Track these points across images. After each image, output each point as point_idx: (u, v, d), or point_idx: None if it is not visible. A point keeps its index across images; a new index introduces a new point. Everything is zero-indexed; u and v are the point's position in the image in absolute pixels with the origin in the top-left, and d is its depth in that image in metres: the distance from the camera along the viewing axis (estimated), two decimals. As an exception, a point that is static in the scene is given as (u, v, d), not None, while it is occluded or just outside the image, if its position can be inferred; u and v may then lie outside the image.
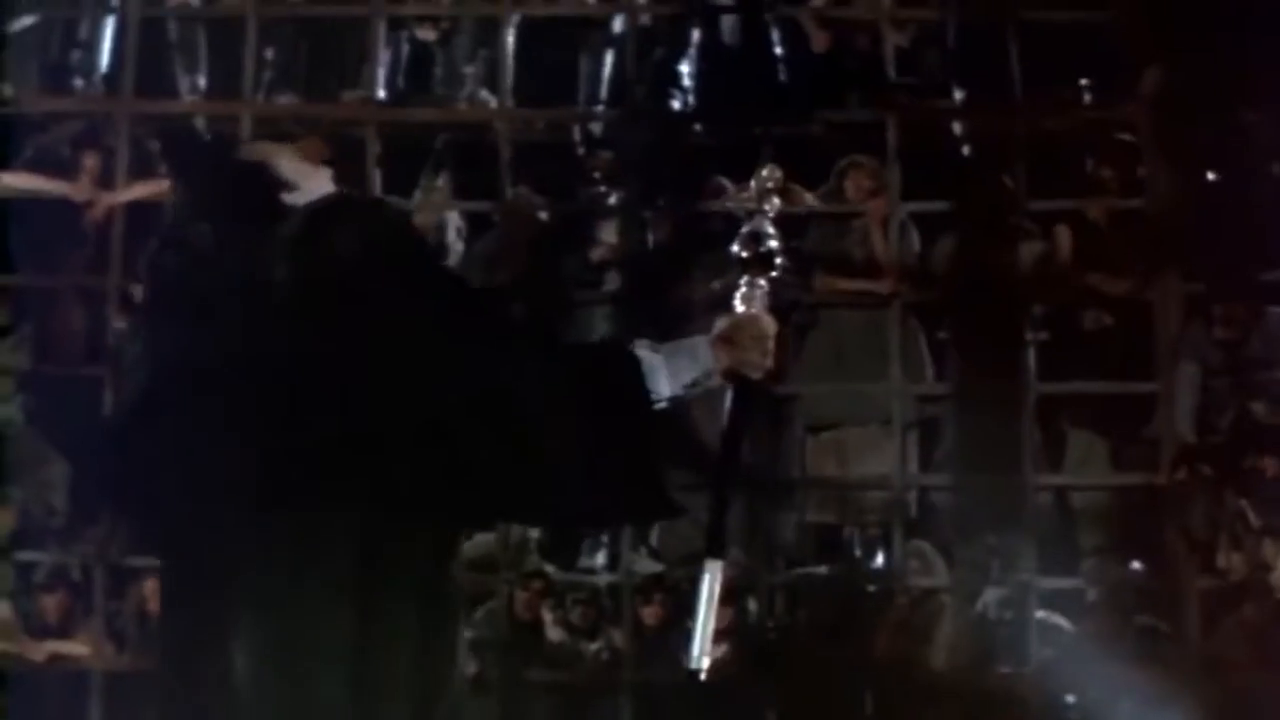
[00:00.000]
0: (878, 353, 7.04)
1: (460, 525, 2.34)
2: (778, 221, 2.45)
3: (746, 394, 2.40)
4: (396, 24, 7.45)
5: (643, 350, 2.28)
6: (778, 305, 2.40)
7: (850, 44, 7.61)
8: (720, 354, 2.33)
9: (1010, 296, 7.14)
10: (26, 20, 7.22)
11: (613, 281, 7.09)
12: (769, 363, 2.39)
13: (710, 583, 2.39)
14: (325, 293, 2.14)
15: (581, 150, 7.45)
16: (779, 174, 2.51)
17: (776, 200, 2.50)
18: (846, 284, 7.20)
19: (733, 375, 2.37)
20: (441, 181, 7.23)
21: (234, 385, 2.11)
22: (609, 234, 7.21)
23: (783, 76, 7.42)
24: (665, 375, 2.28)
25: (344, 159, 6.65)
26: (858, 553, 7.15)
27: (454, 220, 7.33)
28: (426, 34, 7.41)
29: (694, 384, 2.32)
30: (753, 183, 2.51)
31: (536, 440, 2.18)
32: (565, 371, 2.25)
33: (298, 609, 2.09)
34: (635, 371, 2.25)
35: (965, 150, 7.51)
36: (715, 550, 2.41)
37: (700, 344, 2.34)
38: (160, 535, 2.22)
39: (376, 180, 7.04)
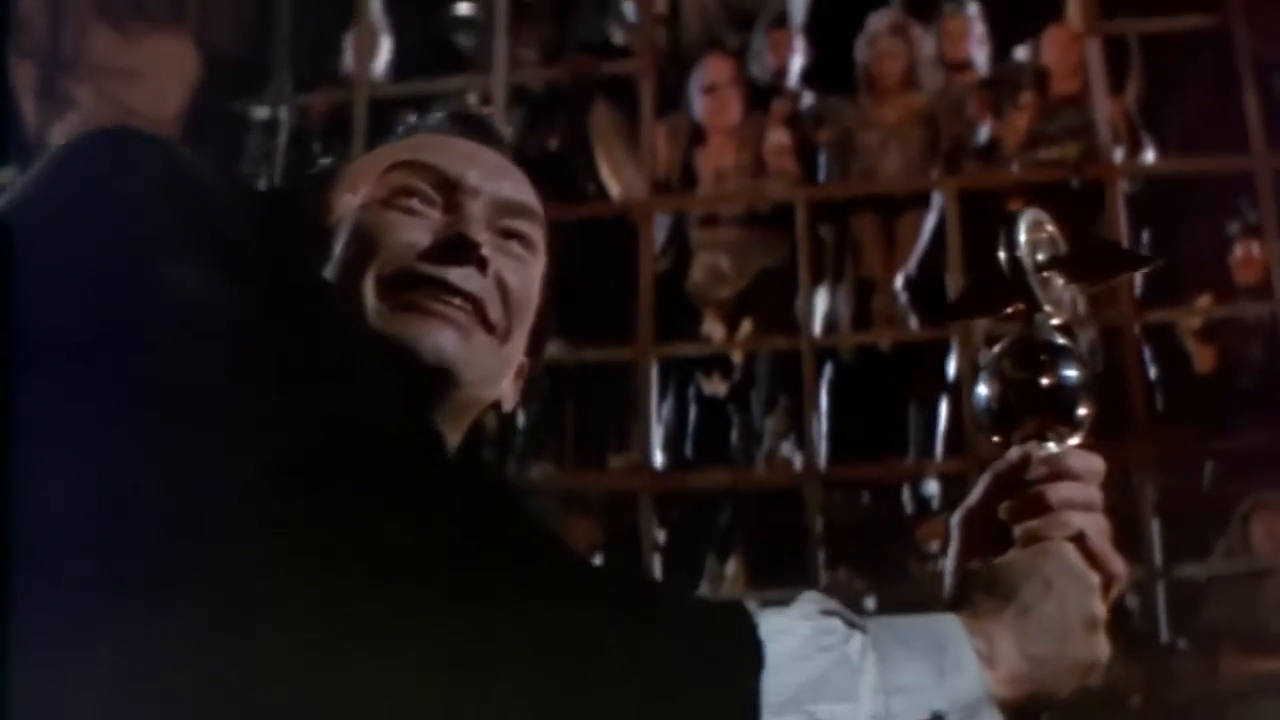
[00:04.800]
0: (1314, 754, 5.54)
1: None
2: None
3: None
4: (675, 373, 6.42)
5: (805, 618, 1.10)
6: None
7: (1241, 357, 6.38)
8: (996, 642, 1.14)
9: None
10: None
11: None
12: (1098, 657, 1.19)
13: None
14: None
15: (912, 516, 6.26)
16: (1043, 219, 1.33)
17: (1060, 282, 1.33)
18: (1262, 664, 5.80)
19: (1028, 703, 1.15)
20: (733, 566, 6.06)
21: None
22: (953, 622, 5.91)
23: (1160, 405, 6.22)
24: (871, 681, 1.07)
25: (615, 540, 5.79)
26: None
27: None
28: (715, 388, 6.34)
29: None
30: (1002, 253, 1.32)
31: None
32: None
33: None
34: (750, 665, 1.05)
35: (1402, 481, 6.09)
36: None
37: (951, 627, 1.14)
38: None
39: (655, 565, 5.88)
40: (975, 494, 1.33)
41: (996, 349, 1.32)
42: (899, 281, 6.35)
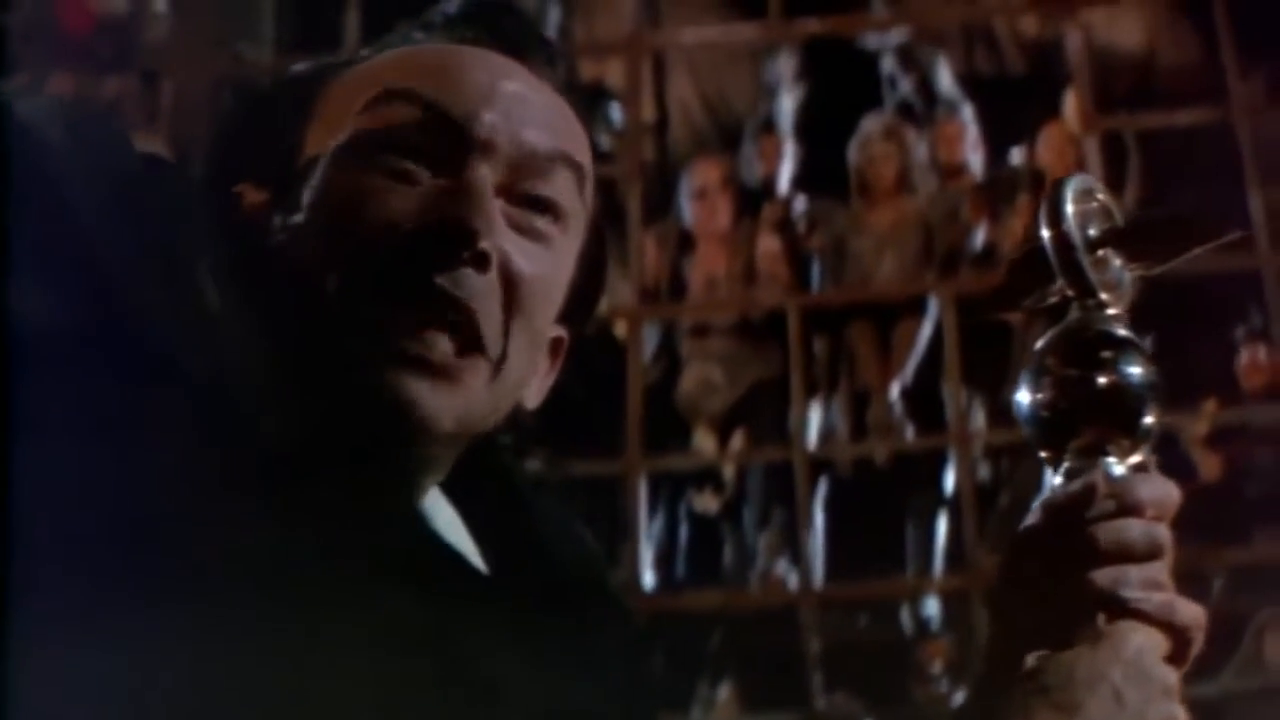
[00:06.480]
0: None
1: None
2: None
3: None
4: (666, 489, 6.24)
5: None
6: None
7: (1249, 465, 6.19)
8: None
9: None
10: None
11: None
12: None
13: None
14: None
15: (911, 636, 6.04)
16: (1095, 186, 1.07)
17: (1117, 263, 1.08)
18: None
19: None
20: (725, 691, 5.83)
21: None
22: (958, 744, 5.70)
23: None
24: None
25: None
26: None
27: (749, 743, 5.95)
28: (707, 505, 6.12)
29: None
30: (1045, 229, 1.05)
31: None
32: None
33: None
34: None
35: None
36: None
37: None
38: None
39: (645, 690, 5.66)
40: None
41: (1040, 344, 1.06)
42: (895, 391, 6.19)
